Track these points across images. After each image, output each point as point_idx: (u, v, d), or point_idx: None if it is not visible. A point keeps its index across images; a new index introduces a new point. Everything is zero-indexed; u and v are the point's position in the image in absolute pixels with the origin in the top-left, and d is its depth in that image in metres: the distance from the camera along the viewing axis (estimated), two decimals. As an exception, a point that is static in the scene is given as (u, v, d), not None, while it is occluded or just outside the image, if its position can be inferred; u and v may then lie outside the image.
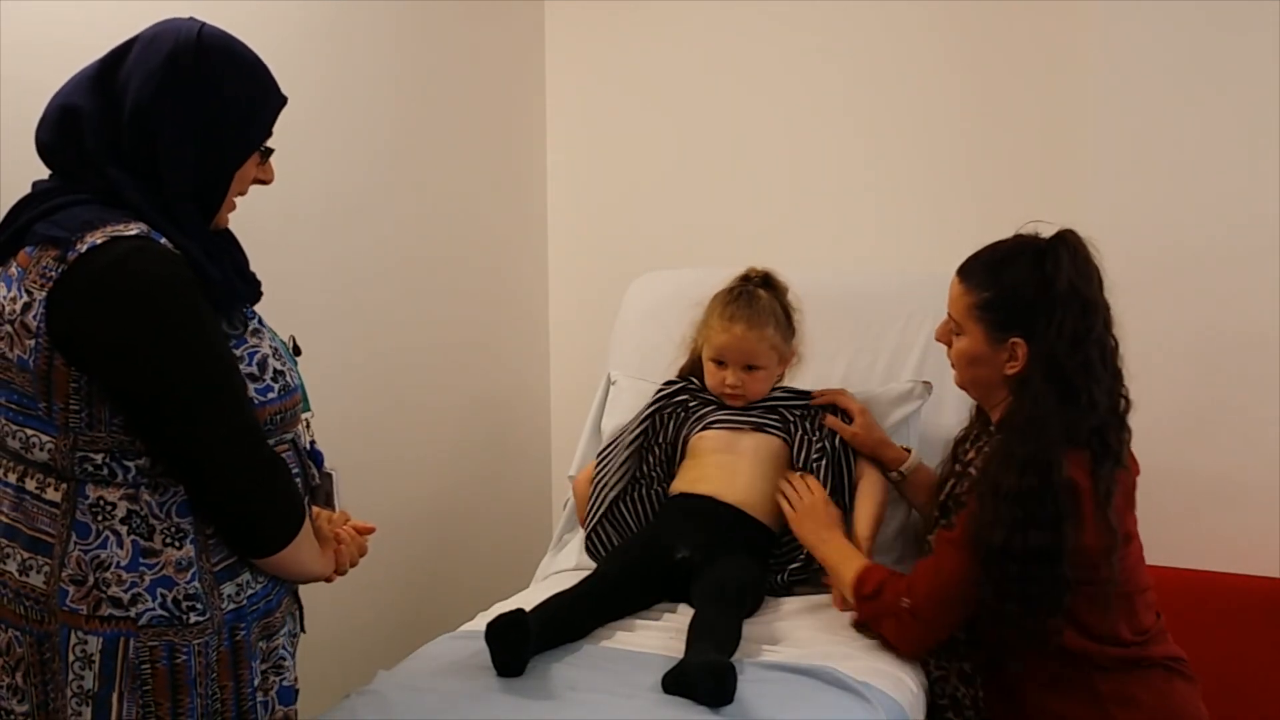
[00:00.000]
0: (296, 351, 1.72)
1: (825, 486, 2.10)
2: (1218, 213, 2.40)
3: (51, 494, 1.48)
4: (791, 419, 2.18)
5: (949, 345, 1.94)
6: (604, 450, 2.25)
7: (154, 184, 1.48)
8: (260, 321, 1.60)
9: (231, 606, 1.52)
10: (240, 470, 1.47)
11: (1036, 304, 1.81)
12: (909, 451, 2.17)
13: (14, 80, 1.89)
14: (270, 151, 1.61)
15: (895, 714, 1.67)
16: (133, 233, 1.43)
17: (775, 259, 2.37)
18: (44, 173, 1.76)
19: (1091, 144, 2.52)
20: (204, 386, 1.44)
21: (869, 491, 2.12)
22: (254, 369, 1.52)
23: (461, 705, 1.59)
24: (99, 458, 1.45)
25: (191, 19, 1.54)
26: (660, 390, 2.26)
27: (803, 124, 2.91)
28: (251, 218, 2.37)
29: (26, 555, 1.48)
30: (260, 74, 1.57)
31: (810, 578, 2.14)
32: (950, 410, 2.37)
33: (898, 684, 1.75)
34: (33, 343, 1.43)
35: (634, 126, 3.09)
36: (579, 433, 2.56)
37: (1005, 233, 2.71)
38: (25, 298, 1.43)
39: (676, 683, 1.61)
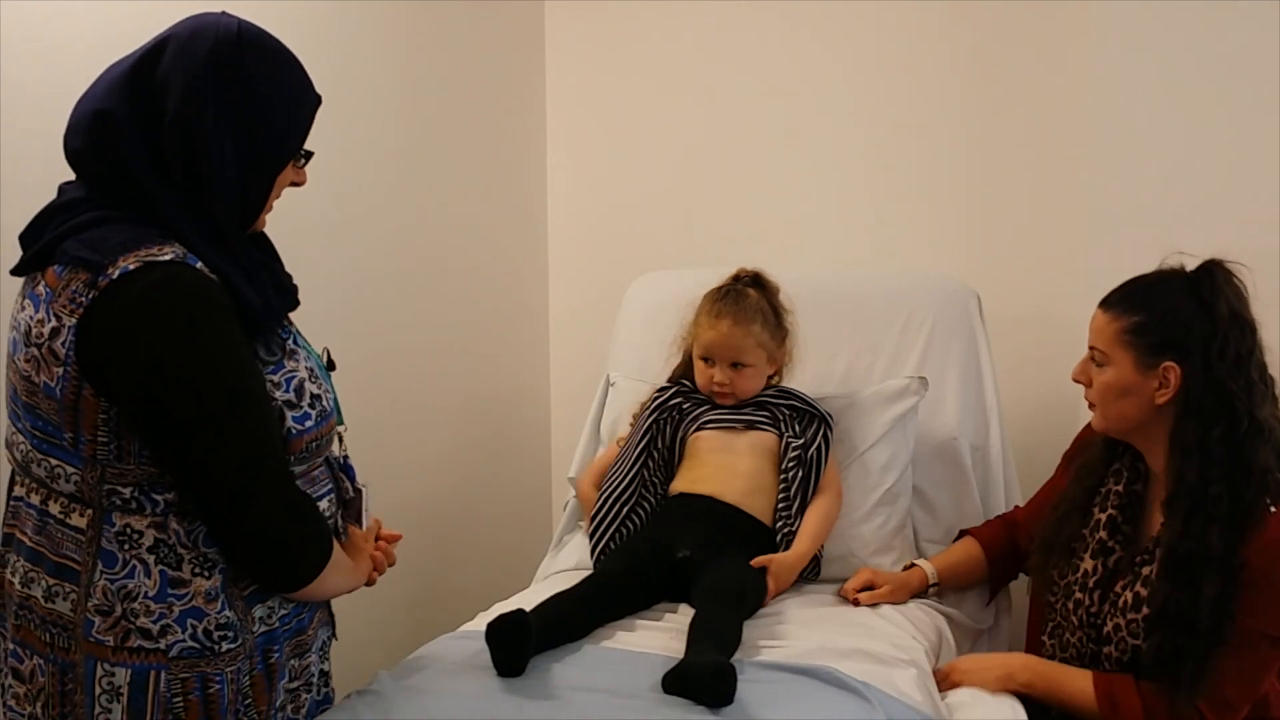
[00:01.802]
0: (330, 366, 1.68)
1: (791, 490, 2.11)
2: (1218, 214, 2.40)
3: (76, 519, 1.42)
4: (781, 417, 2.19)
5: (1088, 384, 1.86)
6: (613, 467, 2.24)
7: (192, 194, 1.41)
8: (296, 339, 1.55)
9: (263, 629, 1.49)
10: (265, 513, 1.41)
11: (1194, 325, 1.76)
12: (915, 565, 2.17)
13: (14, 80, 1.89)
14: (309, 154, 1.55)
15: (895, 714, 1.66)
16: (167, 257, 1.37)
17: (775, 259, 2.37)
18: (44, 174, 1.72)
19: (1092, 144, 2.52)
20: (233, 426, 1.38)
21: (822, 510, 2.13)
22: (291, 395, 1.48)
23: (461, 705, 1.59)
24: (127, 491, 1.40)
25: (225, 14, 1.47)
26: (655, 397, 2.26)
27: (803, 124, 2.91)
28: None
29: (52, 582, 1.43)
30: (299, 71, 1.51)
31: (810, 576, 2.15)
32: (950, 410, 2.37)
33: (898, 683, 1.74)
34: (61, 370, 1.37)
35: (634, 127, 3.09)
36: (579, 433, 2.56)
37: (1006, 233, 2.75)
38: (54, 322, 1.37)
39: (676, 683, 1.61)
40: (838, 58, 2.87)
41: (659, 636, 1.86)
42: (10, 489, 1.51)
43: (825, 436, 2.18)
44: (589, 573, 2.04)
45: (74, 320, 1.35)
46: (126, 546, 1.41)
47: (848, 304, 2.50)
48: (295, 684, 1.57)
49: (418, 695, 1.62)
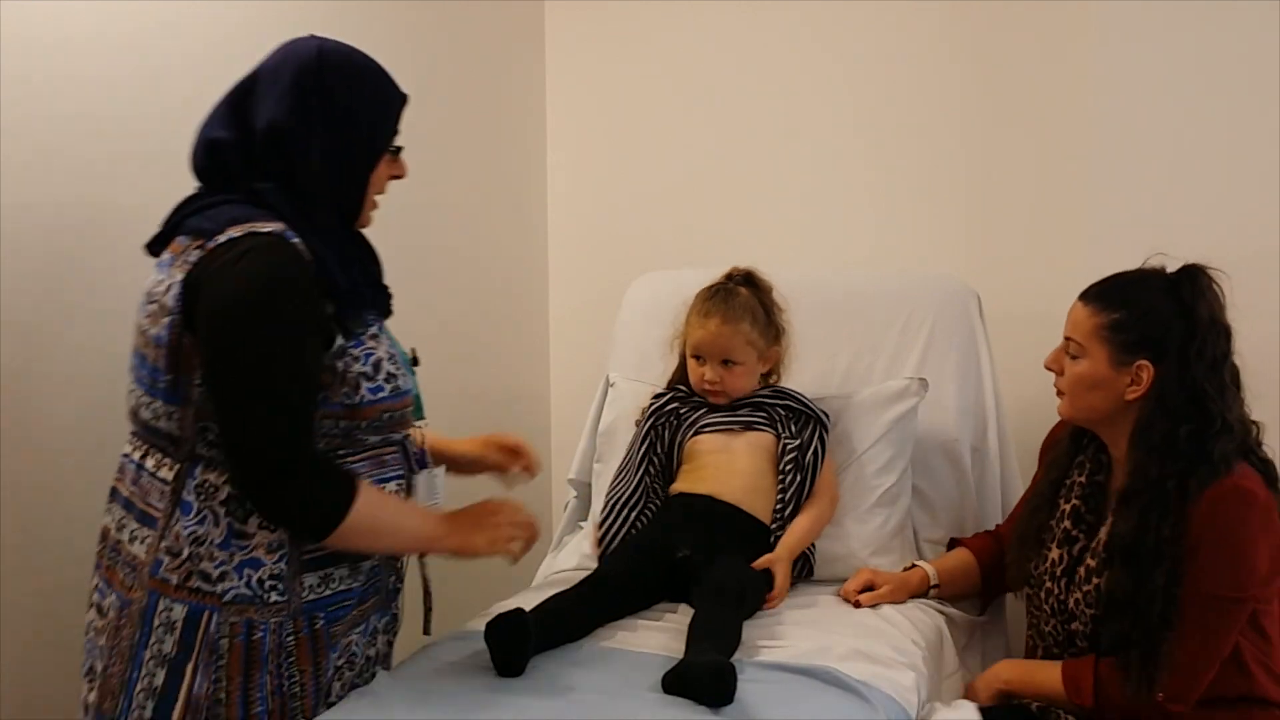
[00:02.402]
0: (415, 363, 1.83)
1: (787, 493, 2.12)
2: (1218, 213, 2.40)
3: (165, 472, 1.61)
4: (777, 418, 2.19)
5: (1060, 373, 1.92)
6: (616, 477, 2.25)
7: (295, 192, 1.60)
8: (382, 330, 1.71)
9: (311, 596, 1.63)
10: (273, 465, 1.54)
11: (1172, 327, 1.81)
12: (916, 565, 2.18)
13: (15, 80, 1.89)
14: (400, 149, 1.73)
15: (895, 714, 1.67)
16: (269, 229, 1.55)
17: (775, 259, 2.37)
18: (43, 174, 1.90)
19: (1092, 144, 2.52)
20: (271, 377, 1.53)
21: (813, 514, 2.13)
22: (368, 369, 1.64)
23: (461, 705, 1.59)
24: (217, 428, 1.56)
25: (311, 37, 1.68)
26: (652, 404, 2.26)
27: (803, 124, 2.90)
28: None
29: (136, 526, 1.63)
30: (379, 80, 1.70)
31: (804, 571, 2.15)
32: (950, 411, 2.37)
33: (897, 684, 1.74)
34: (168, 320, 1.56)
35: (634, 126, 3.09)
36: (579, 433, 2.56)
37: (1006, 233, 2.75)
38: (169, 280, 1.58)
39: (676, 683, 1.61)
40: (838, 58, 2.87)
41: (659, 636, 1.86)
42: (123, 451, 1.72)
43: (821, 438, 2.18)
44: (589, 573, 2.04)
45: (182, 275, 1.56)
46: (203, 497, 1.58)
47: (848, 304, 2.49)
48: (340, 661, 1.68)
49: (418, 695, 1.62)
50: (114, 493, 1.71)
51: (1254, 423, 1.86)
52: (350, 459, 1.66)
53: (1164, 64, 2.41)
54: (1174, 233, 2.41)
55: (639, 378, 2.45)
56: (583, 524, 2.44)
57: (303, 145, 1.59)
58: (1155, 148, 2.44)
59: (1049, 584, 1.95)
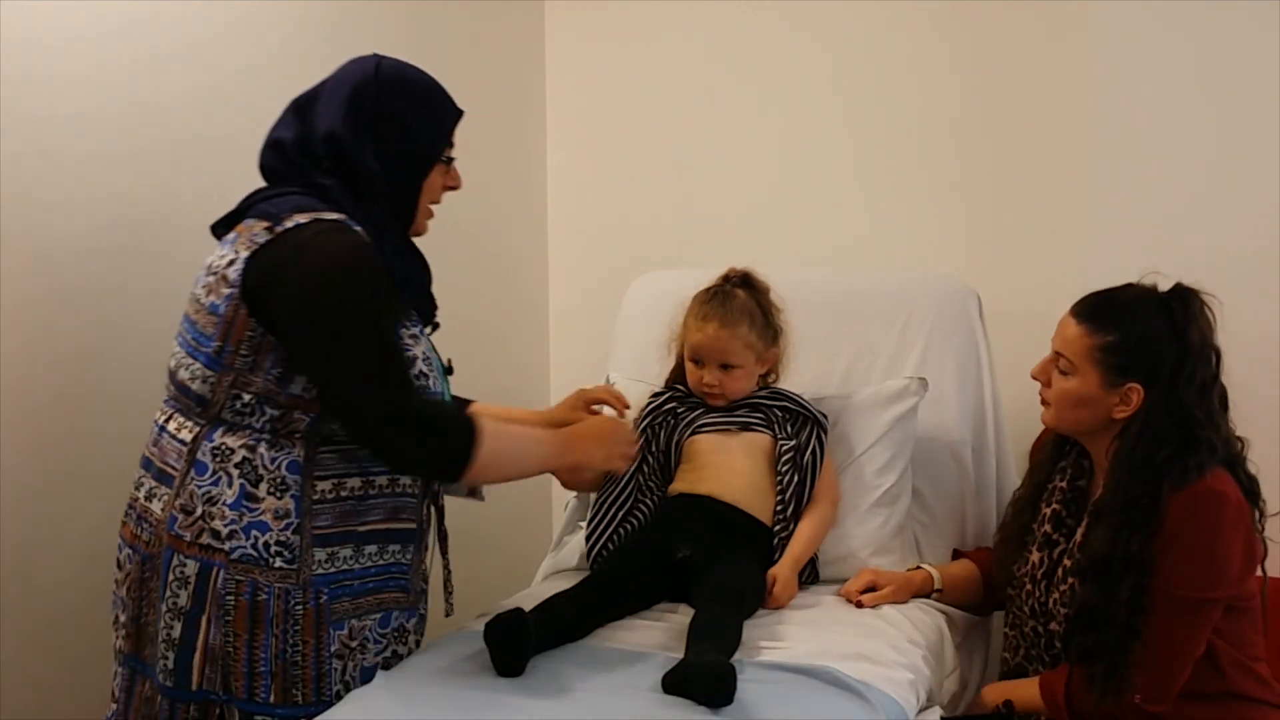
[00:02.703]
0: (448, 371, 1.92)
1: (786, 493, 2.11)
2: (1217, 214, 2.40)
3: (185, 434, 1.71)
4: (774, 419, 2.19)
5: (1047, 384, 1.94)
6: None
7: (355, 191, 1.72)
8: (422, 332, 1.81)
9: (319, 570, 1.70)
10: (386, 421, 1.65)
11: (1164, 352, 1.83)
12: (919, 568, 2.18)
13: (14, 80, 1.90)
14: (453, 159, 1.84)
15: (895, 714, 1.67)
16: (333, 217, 1.68)
17: (775, 259, 2.37)
18: (43, 174, 1.94)
19: (1092, 144, 2.52)
20: (371, 334, 1.65)
21: (817, 517, 2.13)
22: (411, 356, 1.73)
23: (461, 705, 1.58)
24: (248, 397, 1.67)
25: (372, 55, 1.79)
26: (649, 403, 2.26)
27: (803, 124, 2.91)
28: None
29: (154, 484, 1.73)
30: (434, 96, 1.81)
31: (809, 576, 2.15)
32: (950, 411, 2.37)
33: (897, 684, 1.74)
34: (227, 291, 1.67)
35: (634, 126, 3.09)
36: (579, 433, 2.56)
37: (1006, 233, 2.75)
38: (231, 255, 1.68)
39: (676, 683, 1.61)
40: (837, 58, 2.87)
41: (659, 636, 1.86)
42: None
43: (819, 438, 2.17)
44: (589, 573, 2.04)
45: (247, 253, 1.66)
46: (218, 459, 1.68)
47: (848, 304, 2.49)
48: (353, 642, 1.74)
49: (417, 695, 1.62)
50: (143, 457, 1.80)
51: (1239, 439, 1.88)
52: (350, 450, 1.72)
53: (1164, 64, 2.42)
54: (1173, 233, 2.43)
55: (638, 378, 2.45)
56: (582, 524, 2.44)
57: (359, 151, 1.72)
58: (1155, 148, 2.44)
59: (1029, 586, 1.98)
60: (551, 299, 3.26)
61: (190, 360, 1.71)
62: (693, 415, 2.21)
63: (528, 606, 1.76)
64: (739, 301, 2.18)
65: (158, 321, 2.15)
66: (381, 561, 1.78)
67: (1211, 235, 2.40)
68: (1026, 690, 1.93)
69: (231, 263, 1.67)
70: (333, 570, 1.71)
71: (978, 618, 2.23)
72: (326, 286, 1.63)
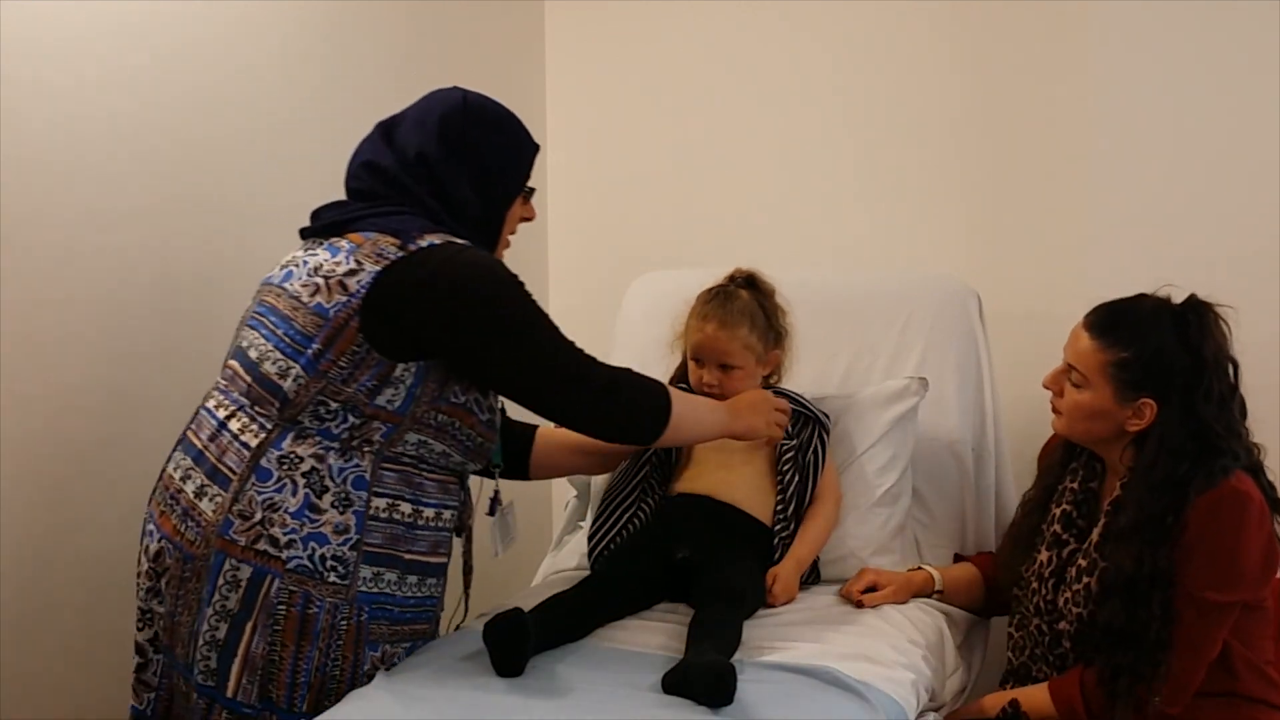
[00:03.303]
0: (501, 412, 1.95)
1: (787, 493, 2.11)
2: (1217, 214, 2.40)
3: (249, 437, 1.70)
4: None
5: (1059, 394, 1.94)
6: (616, 473, 2.24)
7: (450, 214, 1.77)
8: None
9: (364, 588, 1.71)
10: (582, 402, 1.75)
11: (1178, 368, 1.83)
12: (921, 568, 2.18)
13: (14, 81, 1.89)
14: (532, 191, 1.90)
15: (895, 714, 1.67)
16: (461, 241, 1.73)
17: (775, 259, 2.37)
18: (43, 174, 1.92)
19: (1092, 143, 2.52)
20: (545, 325, 1.72)
21: (821, 517, 2.13)
22: (480, 394, 1.79)
23: (461, 705, 1.58)
24: (334, 404, 1.67)
25: (455, 88, 1.86)
26: None
27: (804, 124, 2.90)
28: (253, 216, 2.38)
29: (206, 482, 1.70)
30: (515, 131, 1.87)
31: (811, 576, 2.15)
32: (950, 411, 2.37)
33: (898, 684, 1.74)
34: (343, 299, 1.67)
35: (634, 126, 3.09)
36: (579, 433, 2.56)
37: (1006, 233, 2.74)
38: (352, 265, 1.68)
39: (676, 683, 1.61)
40: (837, 58, 2.87)
41: (659, 636, 1.86)
42: (204, 401, 1.80)
43: (821, 438, 2.17)
44: (589, 573, 2.04)
45: (376, 268, 1.66)
46: (285, 466, 1.68)
47: (848, 304, 2.49)
48: (383, 666, 1.75)
49: (417, 695, 1.62)
50: (185, 441, 1.78)
51: (1256, 445, 1.88)
52: (422, 472, 1.78)
53: (1164, 63, 2.42)
54: (1173, 233, 2.43)
55: (639, 378, 2.45)
56: (582, 524, 2.44)
57: (452, 175, 1.77)
58: (1155, 148, 2.44)
59: (1034, 584, 1.98)
60: (551, 299, 3.26)
61: (281, 356, 1.69)
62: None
63: (527, 606, 1.76)
64: (741, 302, 2.18)
65: (159, 322, 2.16)
66: (419, 593, 1.81)
67: (1212, 236, 2.40)
68: (1033, 696, 1.91)
69: (353, 273, 1.67)
70: (375, 590, 1.73)
71: (978, 618, 2.23)
72: (493, 297, 1.69)
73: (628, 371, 1.83)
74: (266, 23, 2.36)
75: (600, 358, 2.74)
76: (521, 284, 1.73)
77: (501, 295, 1.70)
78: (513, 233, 1.89)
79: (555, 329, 1.74)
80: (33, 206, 1.93)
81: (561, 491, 2.86)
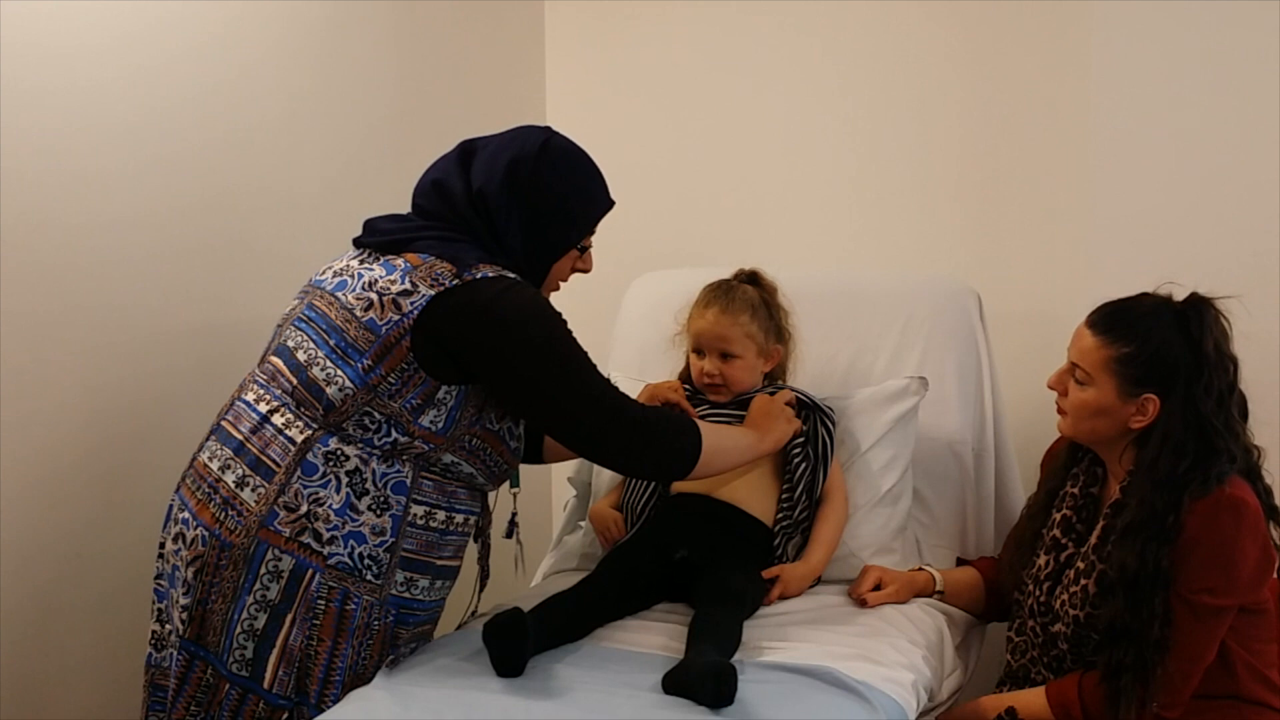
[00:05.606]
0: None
1: (796, 483, 2.12)
2: (1218, 214, 2.40)
3: (294, 432, 1.72)
4: None
5: (1063, 394, 1.95)
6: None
7: (499, 249, 1.80)
8: None
9: (395, 591, 1.75)
10: (613, 439, 1.78)
11: (1180, 363, 1.84)
12: (922, 569, 2.18)
13: (14, 81, 1.89)
14: (588, 247, 1.93)
15: (895, 714, 1.67)
16: (513, 276, 1.76)
17: (775, 259, 2.37)
18: (42, 173, 1.90)
19: (1092, 143, 2.52)
20: (584, 363, 1.76)
21: (833, 518, 2.13)
22: (513, 423, 1.84)
23: (461, 705, 1.59)
24: (379, 416, 1.71)
25: (545, 127, 1.88)
26: None
27: (804, 124, 2.90)
28: (252, 216, 2.38)
29: (247, 472, 1.72)
30: (591, 183, 1.90)
31: (817, 581, 2.14)
32: (950, 411, 2.37)
33: (898, 684, 1.74)
34: (396, 318, 1.70)
35: (634, 126, 3.09)
36: (579, 433, 2.55)
37: (1006, 233, 2.74)
38: (408, 285, 1.71)
39: (677, 683, 1.61)
40: (837, 58, 2.87)
41: (659, 636, 1.86)
42: (240, 394, 1.82)
43: (827, 429, 2.17)
44: (589, 573, 2.04)
45: (432, 291, 1.70)
46: (331, 463, 1.71)
47: (848, 304, 2.49)
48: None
49: (417, 695, 1.62)
50: (222, 431, 1.79)
51: (1255, 447, 1.89)
52: (453, 482, 1.81)
53: (1164, 62, 2.41)
54: (1174, 232, 2.43)
55: (640, 377, 2.45)
56: (582, 524, 2.44)
57: (505, 215, 1.78)
58: (1156, 147, 2.44)
59: (1030, 586, 2.00)
60: (551, 298, 3.25)
61: (331, 365, 1.72)
62: (697, 411, 2.21)
63: (527, 606, 1.77)
64: (743, 292, 2.19)
65: (162, 321, 2.16)
66: (439, 597, 1.87)
67: (1212, 236, 2.40)
68: (1029, 701, 1.92)
69: (408, 293, 1.70)
70: (406, 595, 1.78)
71: (977, 618, 2.23)
72: (537, 334, 1.72)
73: (660, 410, 1.90)
74: (265, 22, 2.36)
75: (600, 358, 2.76)
76: (564, 321, 1.77)
77: (546, 333, 1.74)
78: (564, 280, 1.92)
79: (594, 368, 1.78)
80: (38, 210, 1.94)
81: (562, 491, 2.86)
